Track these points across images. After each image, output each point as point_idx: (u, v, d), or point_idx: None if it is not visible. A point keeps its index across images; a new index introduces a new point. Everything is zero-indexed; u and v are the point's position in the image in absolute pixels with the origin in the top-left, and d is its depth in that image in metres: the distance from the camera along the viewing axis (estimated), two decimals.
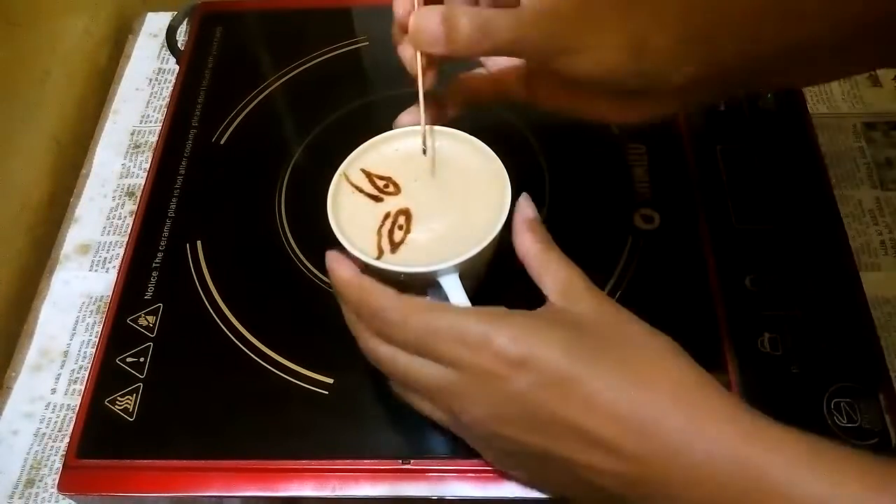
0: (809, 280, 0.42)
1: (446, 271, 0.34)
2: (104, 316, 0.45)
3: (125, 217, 0.55)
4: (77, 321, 0.50)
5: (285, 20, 0.60)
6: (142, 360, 0.43)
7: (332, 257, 0.35)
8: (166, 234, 0.48)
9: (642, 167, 0.48)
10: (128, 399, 0.41)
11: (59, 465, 0.45)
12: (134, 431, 0.40)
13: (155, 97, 0.61)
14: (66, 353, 0.49)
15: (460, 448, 0.36)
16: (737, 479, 0.28)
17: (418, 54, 0.36)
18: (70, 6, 0.61)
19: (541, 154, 0.49)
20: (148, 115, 0.60)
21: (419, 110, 0.37)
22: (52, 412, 0.47)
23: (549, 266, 0.34)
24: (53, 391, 0.48)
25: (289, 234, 0.47)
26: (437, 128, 0.39)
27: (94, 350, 0.44)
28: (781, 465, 0.27)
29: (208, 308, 0.44)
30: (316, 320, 0.43)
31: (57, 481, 0.39)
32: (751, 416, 0.29)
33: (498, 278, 0.36)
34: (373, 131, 0.40)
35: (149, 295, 0.45)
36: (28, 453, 0.46)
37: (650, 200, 0.47)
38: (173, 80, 0.57)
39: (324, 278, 0.45)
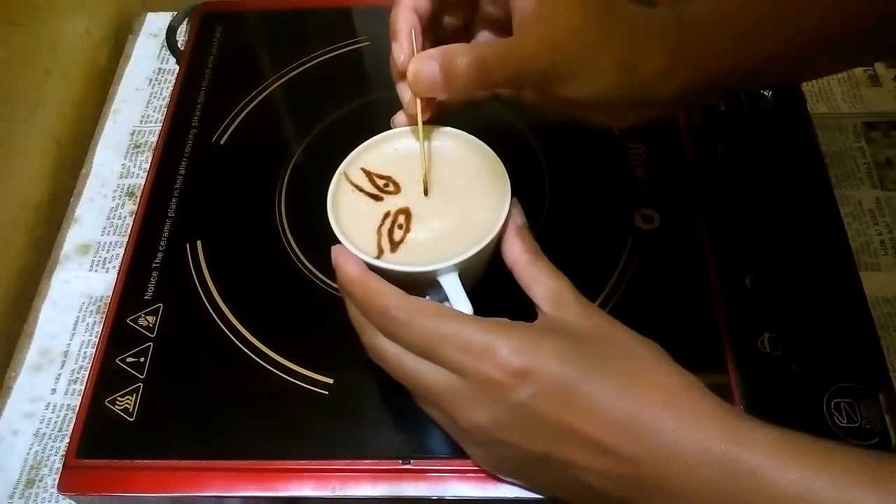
0: (809, 280, 0.42)
1: (446, 270, 0.34)
2: (104, 316, 0.45)
3: (125, 217, 0.55)
4: (77, 321, 0.50)
5: (285, 20, 0.60)
6: (142, 360, 0.43)
7: (338, 253, 0.35)
8: (166, 234, 0.48)
9: (642, 167, 0.48)
10: (128, 399, 0.41)
11: (59, 465, 0.45)
12: (134, 431, 0.40)
13: (155, 97, 0.61)
14: (66, 353, 0.49)
15: (460, 448, 0.36)
16: (727, 477, 0.28)
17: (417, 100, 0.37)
18: (70, 6, 0.61)
19: (541, 154, 0.49)
20: (148, 115, 0.60)
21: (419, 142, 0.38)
22: (52, 412, 0.47)
23: (539, 276, 0.35)
24: (53, 391, 0.48)
25: (289, 234, 0.47)
26: (437, 127, 0.39)
27: (94, 350, 0.44)
28: (768, 465, 0.28)
29: (208, 308, 0.44)
30: (316, 320, 0.43)
31: (57, 481, 0.39)
32: (732, 416, 0.30)
33: (497, 278, 0.36)
34: (373, 131, 0.40)
35: (149, 295, 0.45)
36: (28, 453, 0.46)
37: (650, 200, 0.47)
38: (173, 80, 0.57)
39: (324, 278, 0.45)
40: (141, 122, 0.60)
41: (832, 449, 0.29)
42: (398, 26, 0.36)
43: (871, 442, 0.37)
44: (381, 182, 0.38)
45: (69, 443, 0.40)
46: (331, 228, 0.36)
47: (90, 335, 0.50)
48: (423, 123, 0.38)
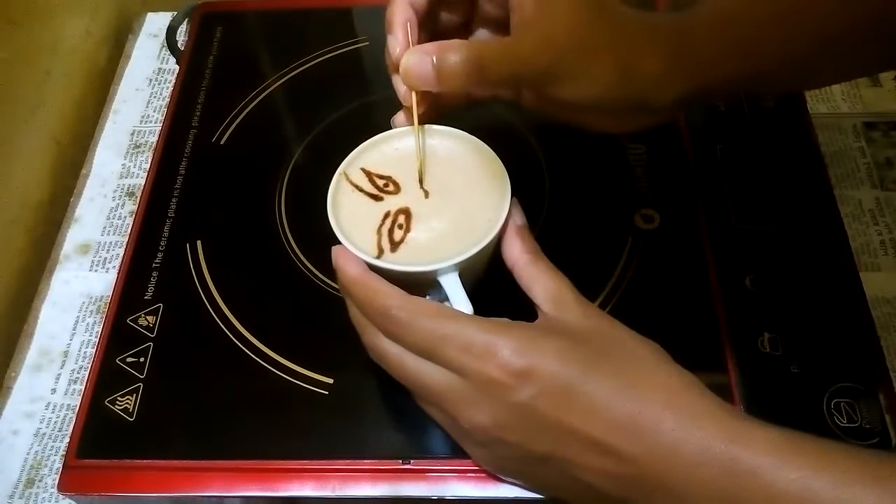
0: (809, 280, 0.42)
1: (446, 270, 0.34)
2: (104, 316, 0.45)
3: (125, 217, 0.55)
4: (77, 321, 0.50)
5: (285, 20, 0.60)
6: (142, 360, 0.43)
7: (338, 253, 0.35)
8: (166, 234, 0.48)
9: (642, 167, 0.48)
10: (128, 399, 0.41)
11: (59, 465, 0.45)
12: (134, 431, 0.40)
13: (155, 97, 0.61)
14: (66, 353, 0.49)
15: (460, 448, 0.36)
16: (727, 477, 0.28)
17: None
18: (70, 6, 0.61)
19: (541, 154, 0.49)
20: (148, 115, 0.60)
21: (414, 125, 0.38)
22: (52, 412, 0.47)
23: (539, 276, 0.35)
24: (53, 391, 0.48)
25: (289, 234, 0.47)
26: (437, 127, 0.39)
27: (94, 350, 0.44)
28: (767, 464, 0.28)
29: (208, 308, 0.44)
30: (316, 320, 0.43)
31: (57, 481, 0.39)
32: (732, 416, 0.30)
33: (497, 278, 0.36)
34: (373, 131, 0.40)
35: (149, 295, 0.45)
36: (28, 453, 0.46)
37: (650, 200, 0.47)
38: (173, 80, 0.57)
39: (324, 278, 0.45)
40: (141, 122, 0.60)
41: (832, 448, 0.29)
42: (394, 19, 0.36)
43: (871, 442, 0.37)
44: (381, 182, 0.38)
45: (69, 443, 0.40)
46: (331, 228, 0.36)
47: (90, 335, 0.50)
48: (424, 124, 0.38)
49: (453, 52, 0.34)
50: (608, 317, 0.34)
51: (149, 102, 0.61)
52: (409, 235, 0.36)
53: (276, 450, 0.39)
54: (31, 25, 0.56)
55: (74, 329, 0.50)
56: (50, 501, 0.44)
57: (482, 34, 0.40)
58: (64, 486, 0.39)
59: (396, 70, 0.36)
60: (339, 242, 0.35)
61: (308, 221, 0.47)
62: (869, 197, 0.53)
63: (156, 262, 0.47)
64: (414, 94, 0.37)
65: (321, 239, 0.36)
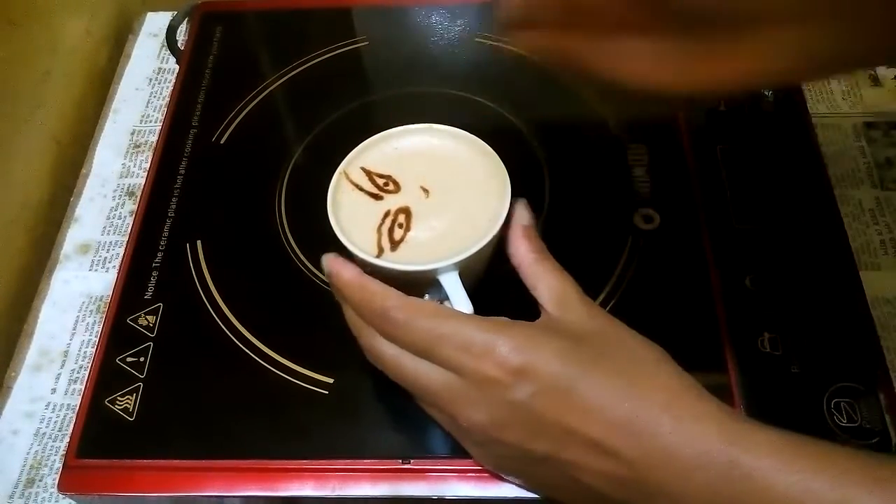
0: (809, 280, 0.42)
1: (446, 269, 0.34)
2: (104, 316, 0.45)
3: (125, 217, 0.55)
4: (77, 321, 0.50)
5: (285, 20, 0.60)
6: (142, 359, 0.43)
7: (329, 260, 0.35)
8: (166, 233, 0.48)
9: (642, 167, 0.48)
10: (128, 399, 0.41)
11: (59, 464, 0.45)
12: (134, 431, 0.40)
13: (155, 97, 0.61)
14: (66, 353, 0.49)
15: (460, 448, 0.36)
16: (726, 480, 0.28)
17: None
18: (70, 6, 0.61)
19: (541, 154, 0.49)
20: (148, 115, 0.60)
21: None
22: (52, 412, 0.47)
23: (544, 275, 0.35)
24: (53, 391, 0.48)
25: (289, 234, 0.47)
26: (437, 126, 0.39)
27: (94, 350, 0.44)
28: (767, 467, 0.28)
29: (208, 308, 0.44)
30: (316, 320, 0.43)
31: (57, 481, 0.39)
32: (731, 419, 0.30)
33: (497, 277, 0.36)
34: (373, 131, 0.40)
35: (149, 295, 0.45)
36: (28, 453, 0.46)
37: (650, 200, 0.47)
38: (173, 80, 0.57)
39: (324, 278, 0.45)
40: (141, 121, 0.60)
41: (832, 450, 0.29)
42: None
43: (871, 442, 0.37)
44: (381, 181, 0.38)
45: (69, 442, 0.40)
46: (331, 228, 0.36)
47: (90, 335, 0.50)
48: (426, 124, 0.38)
49: None
50: (612, 318, 0.34)
51: (149, 102, 0.61)
52: (410, 234, 0.36)
53: (275, 450, 0.39)
54: (30, 25, 0.56)
55: (74, 329, 0.50)
56: (50, 501, 0.44)
57: None
58: (64, 486, 0.39)
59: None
60: (339, 241, 0.35)
61: (308, 221, 0.47)
62: (869, 197, 0.53)
63: (156, 262, 0.47)
64: None
65: (321, 239, 0.36)
